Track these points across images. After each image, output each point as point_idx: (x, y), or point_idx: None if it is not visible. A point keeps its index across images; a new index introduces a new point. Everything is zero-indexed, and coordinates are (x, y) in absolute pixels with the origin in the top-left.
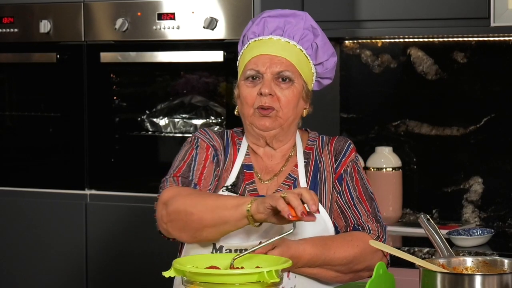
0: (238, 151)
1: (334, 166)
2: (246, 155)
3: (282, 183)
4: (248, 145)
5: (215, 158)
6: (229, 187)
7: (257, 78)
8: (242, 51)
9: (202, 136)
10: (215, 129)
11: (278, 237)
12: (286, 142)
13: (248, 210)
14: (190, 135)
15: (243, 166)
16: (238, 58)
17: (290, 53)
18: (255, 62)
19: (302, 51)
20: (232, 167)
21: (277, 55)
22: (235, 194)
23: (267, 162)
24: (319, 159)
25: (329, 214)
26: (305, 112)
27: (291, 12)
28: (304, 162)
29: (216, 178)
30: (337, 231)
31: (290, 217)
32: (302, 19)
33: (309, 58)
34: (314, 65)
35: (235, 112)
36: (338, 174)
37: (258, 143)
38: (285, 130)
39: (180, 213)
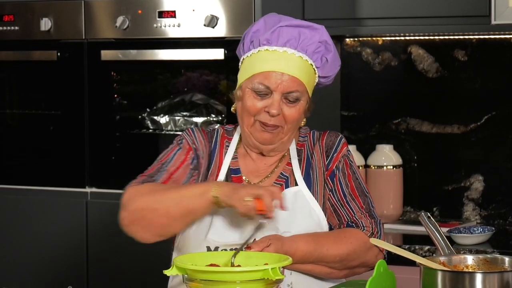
0: (225, 154)
1: (326, 163)
2: (233, 158)
3: (274, 183)
4: (237, 146)
5: (193, 161)
6: None
7: (266, 94)
8: (250, 53)
9: (187, 137)
10: (216, 126)
11: (251, 236)
12: (282, 151)
13: (215, 197)
14: None
15: (230, 171)
16: (243, 55)
17: (301, 71)
18: (266, 77)
19: (312, 65)
20: (218, 172)
21: (289, 73)
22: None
23: (259, 165)
24: (310, 156)
25: (322, 211)
26: (303, 123)
27: (309, 24)
28: (297, 159)
29: (192, 180)
30: (330, 229)
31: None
32: (318, 33)
33: (316, 70)
34: (319, 76)
35: (232, 109)
36: (330, 170)
37: (252, 149)
38: (284, 143)
39: (143, 211)
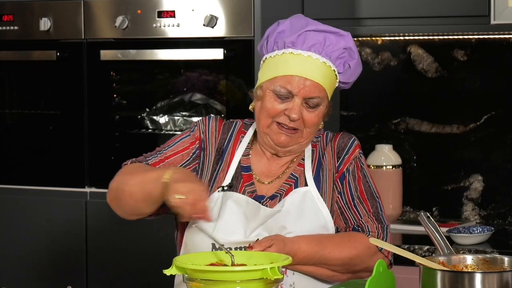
0: (237, 150)
1: (336, 165)
2: (244, 155)
3: (283, 183)
4: (252, 144)
5: (196, 151)
6: (225, 187)
7: (287, 98)
8: (274, 54)
9: (201, 125)
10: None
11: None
12: (298, 153)
13: (165, 183)
14: None
15: (240, 168)
16: (266, 55)
17: (324, 77)
18: (289, 81)
19: (335, 70)
20: (228, 168)
21: (312, 79)
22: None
23: (272, 164)
24: (322, 156)
25: (330, 213)
26: (321, 126)
27: (335, 30)
28: (310, 159)
29: (189, 169)
30: (337, 232)
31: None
32: (344, 39)
33: (338, 76)
34: (340, 82)
35: (250, 108)
36: (341, 172)
37: (268, 149)
38: (302, 145)
39: (116, 191)
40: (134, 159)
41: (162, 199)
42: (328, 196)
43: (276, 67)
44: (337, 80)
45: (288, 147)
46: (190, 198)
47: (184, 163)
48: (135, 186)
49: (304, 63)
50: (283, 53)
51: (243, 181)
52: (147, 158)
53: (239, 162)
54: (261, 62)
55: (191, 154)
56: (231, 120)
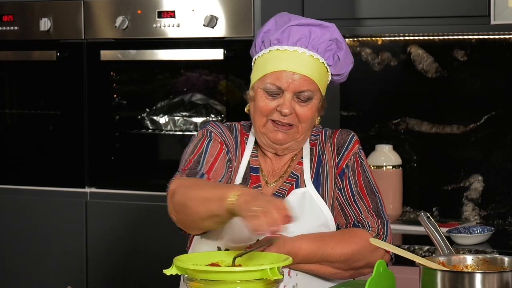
0: (245, 151)
1: (336, 161)
2: (252, 156)
3: (284, 182)
4: (255, 145)
5: (228, 154)
6: None
7: (278, 94)
8: (261, 53)
9: (214, 130)
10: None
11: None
12: (296, 150)
13: (230, 205)
14: (190, 133)
15: (250, 168)
16: (255, 55)
17: (312, 70)
18: (277, 77)
19: (324, 63)
20: (238, 168)
21: (300, 73)
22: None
23: (275, 164)
24: (321, 154)
25: (331, 210)
26: (317, 122)
27: (319, 22)
28: (309, 158)
29: (229, 173)
30: (338, 229)
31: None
32: (329, 31)
33: (328, 68)
34: (332, 74)
35: (246, 110)
36: (340, 169)
37: (267, 149)
38: (299, 142)
39: (181, 206)
40: (181, 172)
41: (231, 217)
42: (329, 194)
43: (264, 65)
44: (329, 73)
45: (285, 144)
46: (271, 208)
47: (226, 167)
48: (200, 205)
49: (291, 58)
50: (269, 51)
51: (251, 182)
52: (195, 169)
53: (248, 163)
54: (252, 64)
55: (226, 157)
56: (228, 123)
